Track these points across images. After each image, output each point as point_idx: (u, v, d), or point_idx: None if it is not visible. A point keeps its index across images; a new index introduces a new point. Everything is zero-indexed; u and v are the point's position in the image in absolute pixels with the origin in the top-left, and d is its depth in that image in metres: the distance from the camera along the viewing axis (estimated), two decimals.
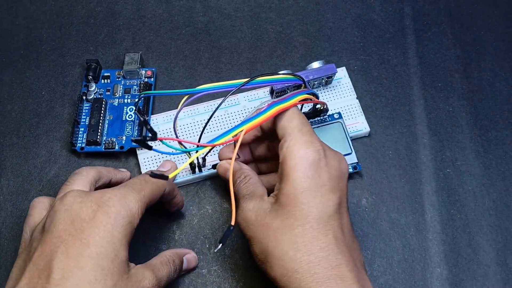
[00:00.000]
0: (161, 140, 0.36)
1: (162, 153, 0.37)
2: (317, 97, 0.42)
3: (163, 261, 0.38)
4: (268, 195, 0.37)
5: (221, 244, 0.35)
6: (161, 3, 0.54)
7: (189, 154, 0.40)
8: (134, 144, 0.45)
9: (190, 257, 0.42)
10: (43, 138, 0.47)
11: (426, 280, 0.43)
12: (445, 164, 0.47)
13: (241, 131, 0.36)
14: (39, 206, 0.38)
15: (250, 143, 0.42)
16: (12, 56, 0.51)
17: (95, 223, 0.33)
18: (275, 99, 0.38)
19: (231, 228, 0.35)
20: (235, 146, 0.36)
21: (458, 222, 0.45)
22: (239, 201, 0.38)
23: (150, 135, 0.33)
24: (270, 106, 0.37)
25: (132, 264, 0.35)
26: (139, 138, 0.33)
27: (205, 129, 0.39)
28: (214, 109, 0.37)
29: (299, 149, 0.35)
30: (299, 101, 0.39)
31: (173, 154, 0.39)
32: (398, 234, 0.45)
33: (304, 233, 0.33)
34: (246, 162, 0.42)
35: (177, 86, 0.50)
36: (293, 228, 0.34)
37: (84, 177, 0.38)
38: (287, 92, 0.44)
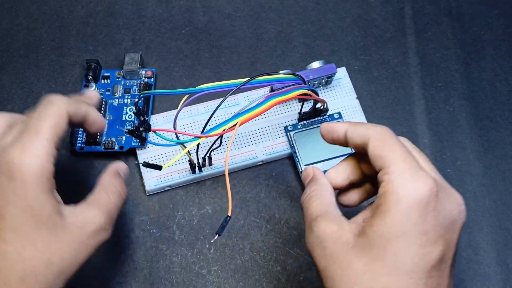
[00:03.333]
0: (155, 131, 0.35)
1: (157, 145, 0.37)
2: (317, 94, 0.42)
3: (106, 190, 0.34)
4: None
5: (217, 235, 0.34)
6: (161, 3, 0.54)
7: (183, 146, 0.39)
8: (134, 144, 0.45)
9: (119, 166, 0.37)
10: None
11: None
12: (445, 164, 0.47)
13: (236, 123, 0.36)
14: None
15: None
16: (12, 56, 0.51)
17: (4, 192, 0.30)
18: (274, 92, 0.38)
19: (228, 218, 0.34)
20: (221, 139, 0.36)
21: None
22: (308, 220, 0.32)
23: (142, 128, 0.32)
24: (268, 99, 0.37)
25: (70, 209, 0.32)
26: (132, 128, 0.32)
27: (205, 129, 0.39)
28: (214, 109, 0.37)
29: (406, 183, 0.29)
30: (298, 96, 0.39)
31: (168, 146, 0.38)
32: None
33: (393, 284, 0.28)
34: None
35: (177, 86, 0.50)
36: (380, 275, 0.28)
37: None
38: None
